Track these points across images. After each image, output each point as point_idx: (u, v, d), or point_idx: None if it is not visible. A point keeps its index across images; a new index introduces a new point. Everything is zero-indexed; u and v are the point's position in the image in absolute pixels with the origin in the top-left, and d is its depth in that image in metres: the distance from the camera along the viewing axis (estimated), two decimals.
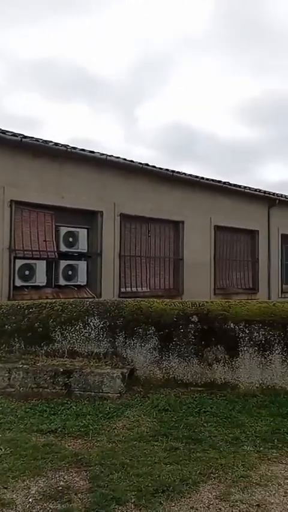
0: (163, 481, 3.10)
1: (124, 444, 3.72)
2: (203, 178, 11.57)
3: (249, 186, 13.08)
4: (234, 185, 12.45)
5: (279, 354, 5.14)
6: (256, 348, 5.19)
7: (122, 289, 10.02)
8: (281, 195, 13.94)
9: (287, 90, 53.87)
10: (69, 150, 8.92)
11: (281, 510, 2.84)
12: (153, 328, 5.36)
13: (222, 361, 5.24)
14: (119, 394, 4.79)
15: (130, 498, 2.90)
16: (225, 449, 3.64)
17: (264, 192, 13.39)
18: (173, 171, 10.80)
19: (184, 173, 11.21)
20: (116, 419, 4.25)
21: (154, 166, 10.49)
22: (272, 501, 2.93)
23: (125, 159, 9.82)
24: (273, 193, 13.68)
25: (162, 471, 3.25)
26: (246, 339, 5.23)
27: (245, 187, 12.76)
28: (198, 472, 3.26)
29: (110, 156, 9.54)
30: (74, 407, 4.53)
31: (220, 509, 2.85)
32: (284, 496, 2.99)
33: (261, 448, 3.69)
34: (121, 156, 9.78)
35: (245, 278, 13.32)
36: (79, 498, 2.91)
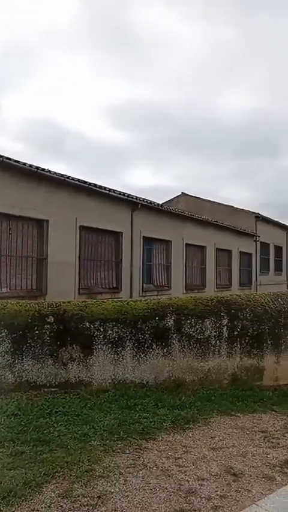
0: (4, 487, 3.01)
1: None
2: (68, 177, 11.50)
3: (115, 188, 13.51)
4: (100, 187, 12.69)
5: (130, 349, 5.44)
6: (110, 346, 5.40)
7: None
8: (143, 199, 14.73)
9: (153, 100, 57.22)
10: None
11: (120, 498, 3.02)
12: (5, 330, 5.14)
13: (77, 360, 5.31)
14: None
15: None
16: (73, 447, 3.71)
17: (128, 195, 13.97)
18: (38, 168, 10.50)
19: (49, 170, 10.98)
20: None
21: (17, 161, 10.02)
22: (112, 490, 3.10)
23: None
24: (136, 197, 14.37)
25: (5, 477, 3.15)
26: (101, 337, 5.40)
27: (110, 189, 13.11)
28: (42, 473, 3.25)
29: None
30: None
31: (62, 506, 2.89)
32: (123, 484, 3.19)
33: (108, 441, 3.86)
34: None
35: (109, 278, 13.70)
36: None
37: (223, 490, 3.16)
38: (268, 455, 3.75)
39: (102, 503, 2.93)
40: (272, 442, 4.03)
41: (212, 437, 4.09)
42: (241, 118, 64.83)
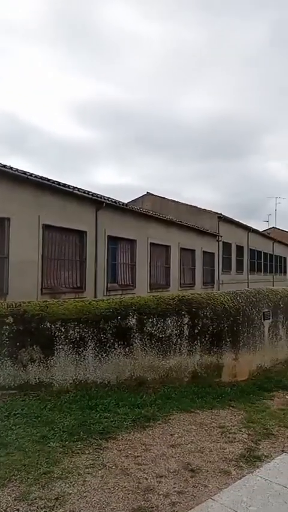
0: None
1: None
2: (31, 174, 11.28)
3: (80, 187, 13.37)
4: (64, 185, 12.52)
5: (92, 349, 5.42)
6: (71, 346, 5.35)
7: None
8: (108, 198, 14.68)
9: (118, 99, 57.18)
10: None
11: (78, 498, 3.01)
12: None
13: (37, 361, 5.23)
14: None
15: None
16: (31, 449, 3.66)
17: (93, 194, 13.87)
18: None
19: (11, 167, 10.72)
20: None
21: None
22: (71, 492, 3.08)
23: None
24: (101, 196, 14.30)
25: None
26: (62, 337, 5.35)
27: (74, 187, 12.96)
28: None
29: None
30: None
31: (18, 509, 2.85)
32: (82, 485, 3.18)
33: (67, 442, 3.83)
34: None
35: (73, 277, 13.56)
36: None
37: (181, 486, 3.22)
38: (225, 450, 3.85)
39: (59, 504, 2.91)
40: (229, 437, 4.14)
41: (171, 435, 4.16)
42: (204, 119, 65.97)
